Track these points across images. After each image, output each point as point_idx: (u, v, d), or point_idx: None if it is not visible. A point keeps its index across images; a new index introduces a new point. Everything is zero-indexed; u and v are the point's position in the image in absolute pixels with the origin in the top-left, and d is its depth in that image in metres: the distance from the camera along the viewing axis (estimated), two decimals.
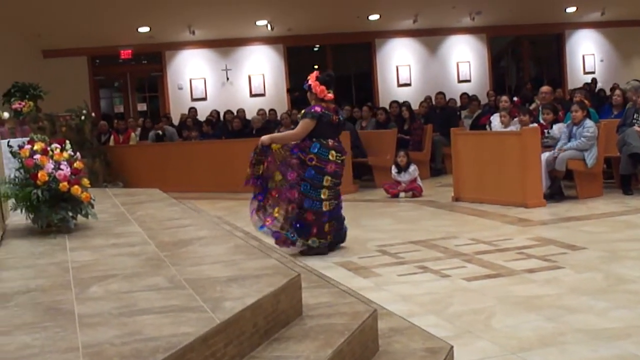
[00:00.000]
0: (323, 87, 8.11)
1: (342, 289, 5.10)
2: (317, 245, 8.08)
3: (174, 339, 3.10)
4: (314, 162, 7.93)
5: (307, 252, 8.09)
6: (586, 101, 11.76)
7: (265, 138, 8.18)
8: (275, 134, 8.76)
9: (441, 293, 6.21)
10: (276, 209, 8.01)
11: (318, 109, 8.04)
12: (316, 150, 7.95)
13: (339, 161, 8.09)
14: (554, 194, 10.82)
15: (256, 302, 3.68)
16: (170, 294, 3.85)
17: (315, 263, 7.47)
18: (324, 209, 8.03)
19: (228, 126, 17.85)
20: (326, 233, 8.14)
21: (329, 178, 7.99)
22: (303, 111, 8.22)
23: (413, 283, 6.62)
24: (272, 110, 19.50)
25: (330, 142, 8.05)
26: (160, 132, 17.58)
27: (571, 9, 23.32)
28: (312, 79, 8.19)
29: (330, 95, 8.18)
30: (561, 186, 11.00)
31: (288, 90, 21.92)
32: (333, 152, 8.02)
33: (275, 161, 8.01)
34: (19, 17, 17.70)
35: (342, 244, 8.41)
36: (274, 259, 4.68)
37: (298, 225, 8.01)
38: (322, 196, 7.99)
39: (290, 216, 7.96)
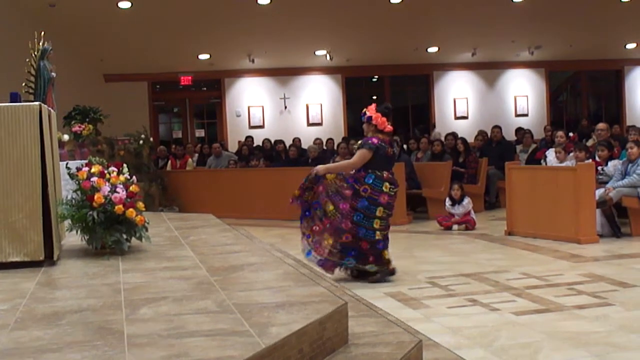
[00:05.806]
0: (384, 119, 8.21)
1: (389, 319, 5.11)
2: (374, 271, 8.13)
3: None
4: (367, 193, 7.99)
5: (368, 278, 8.14)
6: None
7: (320, 168, 8.28)
8: (331, 164, 8.84)
9: (489, 326, 6.19)
10: (328, 239, 8.05)
11: (375, 140, 8.12)
12: (371, 181, 8.02)
13: (392, 193, 8.15)
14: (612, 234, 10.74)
15: (302, 329, 3.71)
16: (218, 318, 3.91)
17: (365, 292, 7.48)
18: (377, 237, 8.07)
19: (281, 155, 17.97)
20: (386, 260, 8.19)
21: (382, 209, 8.05)
22: (360, 142, 8.31)
23: (462, 315, 6.61)
24: (330, 139, 19.55)
25: (385, 174, 8.11)
26: (235, 159, 17.69)
27: (631, 45, 23.19)
28: (371, 110, 8.28)
29: (390, 127, 8.30)
30: (616, 222, 10.87)
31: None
32: (387, 184, 8.08)
33: (327, 191, 8.07)
34: (82, 41, 18.06)
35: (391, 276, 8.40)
36: (323, 287, 4.71)
37: (353, 253, 8.08)
38: (375, 226, 8.04)
39: (344, 245, 8.01)
